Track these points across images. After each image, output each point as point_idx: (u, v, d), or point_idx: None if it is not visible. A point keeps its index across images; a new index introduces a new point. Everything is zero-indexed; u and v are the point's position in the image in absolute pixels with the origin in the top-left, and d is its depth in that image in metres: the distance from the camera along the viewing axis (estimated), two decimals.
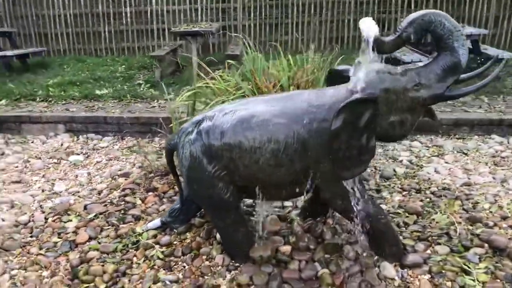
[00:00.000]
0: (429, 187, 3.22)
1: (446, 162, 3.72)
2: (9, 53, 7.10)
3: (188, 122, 2.33)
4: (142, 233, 2.69)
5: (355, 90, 2.04)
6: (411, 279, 2.22)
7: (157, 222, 2.74)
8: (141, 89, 6.38)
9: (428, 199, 3.03)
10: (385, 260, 2.31)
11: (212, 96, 3.71)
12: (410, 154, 3.92)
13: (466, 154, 3.93)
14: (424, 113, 2.13)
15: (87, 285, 2.29)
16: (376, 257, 2.34)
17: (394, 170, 3.51)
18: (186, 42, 8.48)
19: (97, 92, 6.09)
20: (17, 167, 3.96)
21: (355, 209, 2.14)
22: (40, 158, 4.17)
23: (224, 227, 2.33)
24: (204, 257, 2.44)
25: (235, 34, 8.09)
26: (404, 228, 2.66)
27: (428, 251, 2.42)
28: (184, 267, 2.39)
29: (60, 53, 10.52)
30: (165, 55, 6.77)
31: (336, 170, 2.02)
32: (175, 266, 2.41)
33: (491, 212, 2.86)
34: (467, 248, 2.44)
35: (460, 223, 2.71)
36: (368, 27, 2.04)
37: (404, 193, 3.16)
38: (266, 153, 2.06)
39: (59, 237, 2.72)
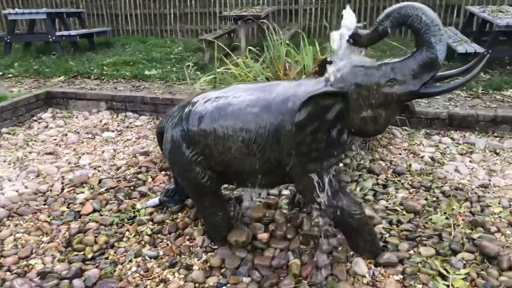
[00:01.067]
0: (441, 186, 3.07)
1: (471, 161, 3.52)
2: (73, 32, 7.59)
3: (176, 107, 2.42)
4: (140, 209, 2.84)
5: (328, 83, 2.01)
6: (382, 278, 2.17)
7: (155, 200, 2.88)
8: (189, 71, 6.57)
9: (434, 198, 2.91)
10: (360, 256, 2.27)
11: (233, 82, 3.77)
12: (435, 150, 3.75)
13: (497, 154, 3.69)
14: (402, 109, 2.05)
15: (77, 253, 2.47)
16: (351, 253, 2.31)
17: (410, 166, 3.39)
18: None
19: (146, 72, 6.35)
20: (55, 139, 4.29)
21: (322, 202, 2.12)
22: (78, 132, 4.47)
23: (203, 209, 2.41)
24: (187, 237, 2.54)
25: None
26: (396, 226, 2.59)
27: (411, 251, 2.35)
28: (168, 244, 2.51)
29: (128, 33, 11.02)
30: (214, 38, 6.88)
31: (300, 162, 2.02)
32: (160, 243, 2.53)
33: (499, 217, 2.69)
34: (455, 252, 2.34)
35: (459, 225, 2.59)
36: (348, 19, 2.00)
37: (412, 190, 3.05)
38: (238, 141, 2.09)
39: (67, 207, 2.94)
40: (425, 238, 2.46)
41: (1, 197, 3.07)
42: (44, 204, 3.00)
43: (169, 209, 2.80)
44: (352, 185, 3.09)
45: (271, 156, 2.09)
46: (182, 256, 2.40)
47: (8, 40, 7.68)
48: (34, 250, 2.49)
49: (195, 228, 2.58)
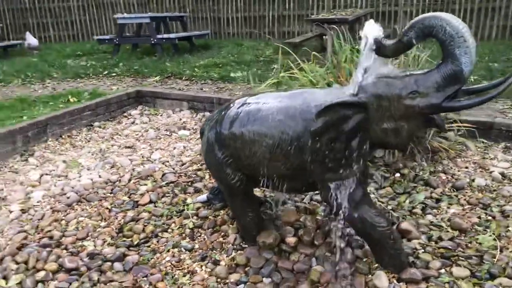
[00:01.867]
0: (503, 205, 2.85)
1: None
2: (172, 35, 8.16)
3: (217, 110, 2.57)
4: (189, 204, 3.04)
5: (350, 93, 2.01)
6: None
7: (204, 197, 3.06)
8: (273, 73, 6.72)
9: (489, 217, 2.71)
10: (383, 270, 2.22)
11: (296, 86, 3.83)
12: (510, 166, 3.46)
13: None
14: (426, 123, 1.97)
15: (125, 238, 2.73)
16: (376, 265, 2.27)
17: (473, 181, 3.18)
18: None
19: (232, 74, 6.63)
20: (137, 134, 4.69)
21: (345, 212, 2.12)
22: (158, 129, 4.84)
23: (235, 209, 2.52)
24: (222, 233, 2.67)
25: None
26: (434, 243, 2.47)
27: (442, 270, 2.24)
28: (204, 239, 2.67)
29: (229, 36, 11.51)
30: (300, 42, 6.96)
31: (317, 171, 2.04)
32: (198, 237, 2.70)
33: None
34: (492, 277, 2.18)
35: (507, 249, 2.40)
36: (371, 29, 1.98)
37: (467, 206, 2.87)
38: (262, 146, 2.16)
39: (128, 197, 3.24)
40: (463, 258, 2.32)
41: (77, 184, 3.47)
42: (111, 193, 3.33)
43: (214, 206, 2.95)
44: (402, 197, 2.99)
45: (294, 162, 2.13)
46: (214, 251, 2.54)
47: (116, 42, 8.48)
48: (90, 233, 2.79)
49: (230, 226, 2.70)
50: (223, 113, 2.39)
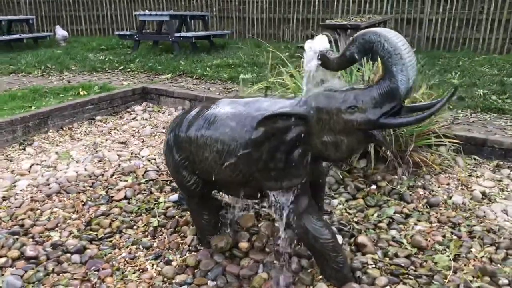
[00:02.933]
0: (473, 225, 2.78)
1: None
2: (189, 34, 8.27)
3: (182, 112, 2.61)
4: (160, 203, 3.09)
5: (295, 104, 2.03)
6: None
7: (175, 196, 3.11)
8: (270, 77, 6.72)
9: (454, 237, 2.65)
10: (326, 282, 2.22)
11: (285, 92, 3.85)
12: (494, 185, 3.36)
13: None
14: (367, 138, 1.95)
15: (91, 232, 2.81)
16: (320, 276, 2.26)
17: (450, 198, 3.11)
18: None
19: (242, 76, 6.66)
20: (134, 130, 4.79)
21: (289, 221, 2.12)
22: (156, 126, 4.93)
23: (191, 211, 2.56)
24: (182, 234, 2.71)
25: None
26: (388, 259, 2.44)
27: None
28: (165, 238, 2.71)
29: (253, 36, 11.53)
30: None
31: (258, 179, 2.05)
32: (159, 236, 2.75)
33: None
34: None
35: (462, 270, 2.35)
36: (317, 42, 1.99)
37: (435, 224, 2.82)
38: (213, 152, 2.19)
39: (106, 192, 3.32)
40: (412, 277, 2.28)
41: (63, 175, 3.58)
42: (90, 187, 3.42)
43: (182, 206, 3.00)
44: (371, 210, 2.96)
45: (243, 169, 2.15)
46: (169, 250, 2.58)
47: (137, 38, 8.66)
48: (59, 224, 2.88)
49: (191, 227, 2.74)
50: (186, 116, 2.43)
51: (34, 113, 4.58)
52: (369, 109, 1.85)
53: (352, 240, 2.59)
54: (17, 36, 9.83)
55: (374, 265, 2.37)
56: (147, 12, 8.64)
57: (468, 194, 3.21)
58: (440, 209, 3.00)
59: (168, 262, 2.48)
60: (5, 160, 4.00)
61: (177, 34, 8.24)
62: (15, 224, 2.88)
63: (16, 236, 2.72)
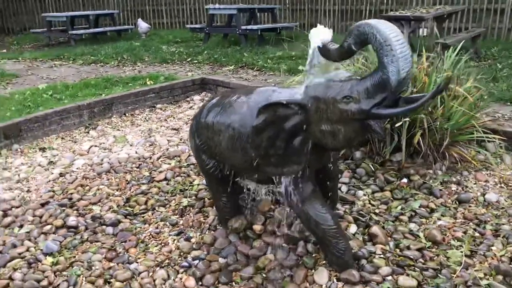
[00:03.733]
0: (501, 224, 2.68)
1: None
2: (255, 27, 8.45)
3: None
4: (194, 185, 3.30)
5: (296, 93, 2.12)
6: None
7: None
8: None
9: (477, 234, 2.59)
10: (327, 267, 2.29)
11: None
12: None
13: None
14: (363, 128, 1.99)
15: (128, 208, 3.08)
16: (324, 261, 2.33)
17: (483, 196, 3.00)
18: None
19: (300, 67, 6.73)
20: (188, 118, 5.06)
21: (293, 207, 2.23)
22: None
23: (211, 192, 2.73)
24: (205, 214, 2.90)
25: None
26: (399, 251, 2.45)
27: (389, 278, 2.24)
28: (190, 217, 2.91)
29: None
30: None
31: (261, 164, 2.17)
32: (186, 215, 2.95)
33: None
34: None
35: (474, 267, 2.31)
36: (319, 33, 2.06)
37: (459, 220, 2.75)
38: (225, 138, 2.34)
39: (149, 173, 3.59)
40: (418, 269, 2.28)
41: (115, 156, 3.92)
42: (137, 168, 3.72)
43: None
44: (395, 202, 2.94)
45: (252, 155, 2.27)
46: (191, 228, 2.77)
47: (207, 31, 9.01)
48: (102, 200, 3.19)
49: (214, 208, 2.91)
50: (205, 103, 2.60)
51: (99, 100, 5.01)
52: (362, 100, 1.89)
53: (366, 230, 2.62)
54: (101, 29, 10.62)
55: (382, 255, 2.40)
56: (216, 5, 8.95)
57: (506, 193, 3.07)
58: (469, 206, 2.91)
59: (188, 239, 2.67)
60: (70, 141, 4.44)
61: (243, 27, 8.46)
62: (65, 197, 3.23)
63: (63, 208, 3.06)
